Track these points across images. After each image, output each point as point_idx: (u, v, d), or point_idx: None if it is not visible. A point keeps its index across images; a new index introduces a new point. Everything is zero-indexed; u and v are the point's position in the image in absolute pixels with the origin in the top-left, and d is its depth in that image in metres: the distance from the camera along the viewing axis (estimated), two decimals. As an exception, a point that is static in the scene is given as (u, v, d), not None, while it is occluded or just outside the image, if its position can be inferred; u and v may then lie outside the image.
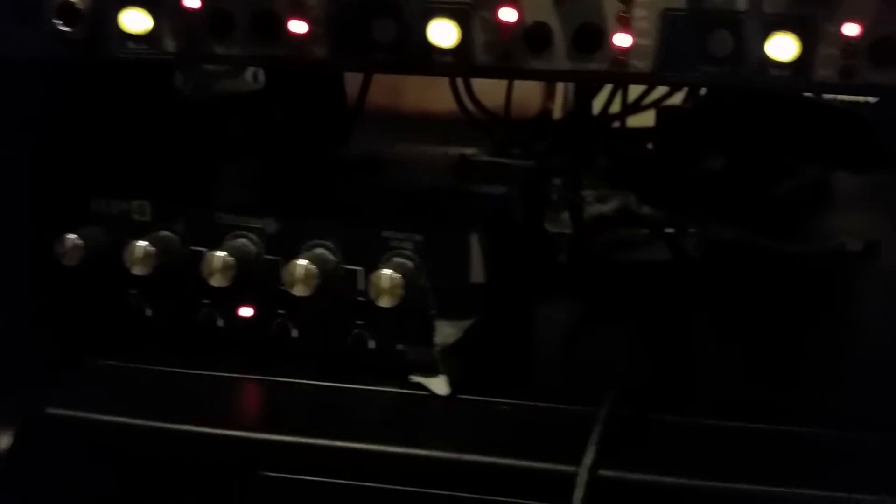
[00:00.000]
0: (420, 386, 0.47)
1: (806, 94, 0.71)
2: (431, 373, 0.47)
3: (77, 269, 0.49)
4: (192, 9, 0.44)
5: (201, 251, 0.48)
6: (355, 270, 0.47)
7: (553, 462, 0.41)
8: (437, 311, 0.47)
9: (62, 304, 0.51)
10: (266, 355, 0.50)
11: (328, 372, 0.48)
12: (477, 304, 0.47)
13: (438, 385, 0.47)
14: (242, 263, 0.47)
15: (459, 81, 0.80)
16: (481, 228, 0.47)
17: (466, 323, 0.47)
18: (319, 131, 0.75)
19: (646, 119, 0.85)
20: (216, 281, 0.46)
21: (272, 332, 0.49)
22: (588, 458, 0.40)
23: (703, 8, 0.40)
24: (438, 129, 0.91)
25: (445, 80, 0.79)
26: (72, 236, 0.49)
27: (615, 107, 0.84)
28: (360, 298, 0.47)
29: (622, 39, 0.41)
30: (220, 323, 0.50)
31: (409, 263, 0.46)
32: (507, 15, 0.42)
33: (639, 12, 0.41)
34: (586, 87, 0.81)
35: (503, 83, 0.84)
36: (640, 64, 0.41)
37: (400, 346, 0.48)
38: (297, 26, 0.43)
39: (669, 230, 0.71)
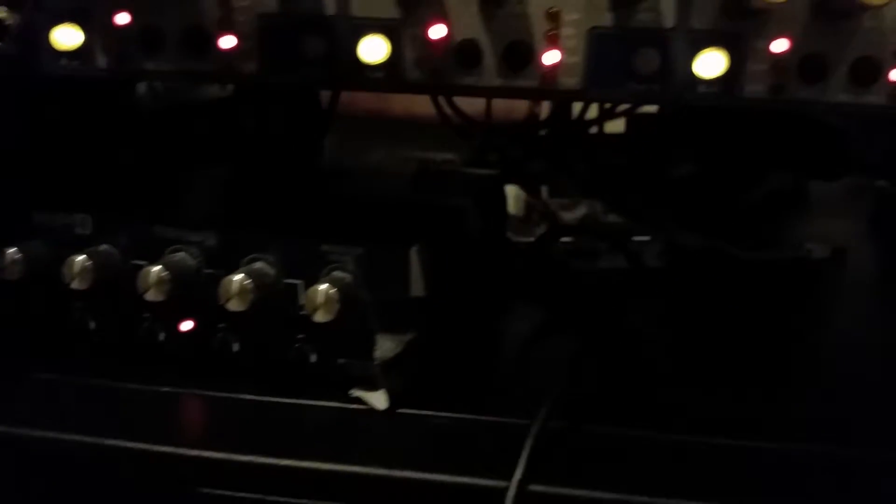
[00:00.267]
0: (360, 400, 0.47)
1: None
2: (372, 387, 0.47)
3: (18, 282, 0.49)
4: (123, 25, 0.44)
5: (142, 265, 0.48)
6: (295, 284, 0.47)
7: (484, 477, 0.41)
8: (377, 326, 0.47)
9: (4, 317, 0.51)
10: (208, 369, 0.49)
11: (270, 386, 0.48)
12: (417, 318, 0.47)
13: (378, 399, 0.46)
14: (180, 278, 0.47)
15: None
16: (423, 242, 0.47)
17: (406, 337, 0.47)
18: (289, 139, 0.75)
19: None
20: (151, 296, 0.46)
21: (213, 346, 0.49)
22: (518, 473, 0.40)
23: (631, 26, 0.41)
24: (422, 134, 0.91)
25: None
26: (12, 250, 0.49)
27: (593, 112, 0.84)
28: (301, 312, 0.47)
29: (551, 57, 0.41)
30: (162, 337, 0.50)
31: (348, 277, 0.46)
32: (437, 32, 0.42)
33: (567, 30, 0.41)
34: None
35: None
36: (569, 81, 0.42)
37: (341, 360, 0.48)
38: (227, 42, 0.43)
39: (640, 238, 0.71)
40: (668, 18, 0.40)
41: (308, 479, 0.43)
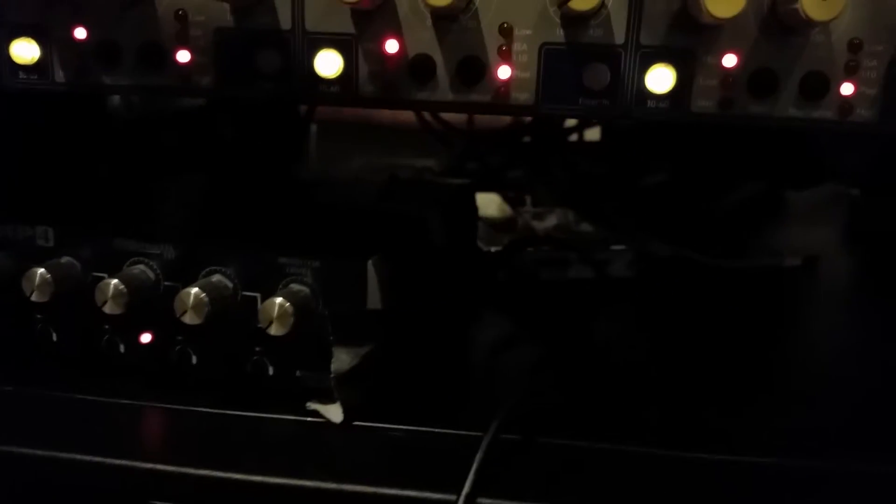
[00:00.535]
0: (317, 413, 0.47)
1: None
2: (329, 400, 0.47)
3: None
4: (81, 40, 0.44)
5: (102, 277, 0.48)
6: (254, 297, 0.48)
7: (433, 491, 0.41)
8: (334, 338, 0.47)
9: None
10: (168, 381, 0.49)
11: (229, 398, 0.48)
12: (375, 330, 0.47)
13: (333, 412, 0.46)
14: (138, 290, 0.47)
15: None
16: (381, 254, 0.47)
17: (363, 350, 0.47)
18: (260, 149, 0.75)
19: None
20: (109, 308, 0.47)
21: (172, 358, 0.50)
22: (466, 487, 0.40)
23: (582, 42, 0.41)
24: (405, 141, 0.91)
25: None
26: (-26, 262, 0.49)
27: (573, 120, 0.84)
28: (259, 325, 0.47)
29: (503, 72, 0.41)
30: (122, 349, 0.50)
31: (305, 290, 0.47)
32: (391, 47, 0.42)
33: (519, 46, 0.41)
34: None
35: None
36: (522, 96, 0.42)
37: (299, 373, 0.48)
38: (183, 56, 0.43)
39: (616, 247, 0.71)
40: (619, 34, 0.40)
41: (260, 493, 0.43)
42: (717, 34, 0.40)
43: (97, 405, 0.48)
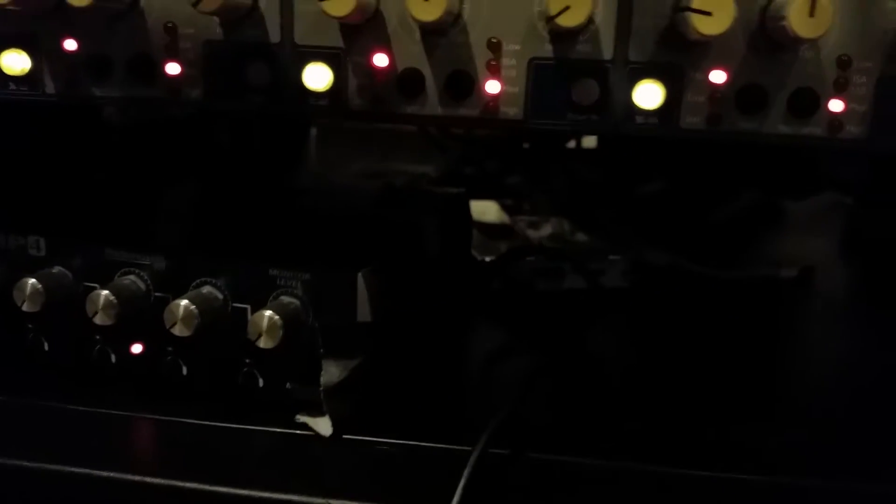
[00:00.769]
0: (307, 426, 0.47)
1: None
2: (318, 412, 0.47)
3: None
4: (71, 51, 0.44)
5: (94, 287, 0.48)
6: (244, 308, 0.48)
7: (420, 507, 0.41)
8: (324, 351, 0.47)
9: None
10: (159, 392, 0.50)
11: (219, 410, 0.48)
12: (364, 343, 0.47)
13: (323, 425, 0.46)
14: (129, 301, 0.47)
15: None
16: (373, 265, 0.47)
17: (353, 362, 0.47)
18: (261, 155, 0.75)
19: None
20: (100, 319, 0.47)
21: (163, 369, 0.50)
22: (454, 502, 0.40)
23: (570, 57, 0.41)
24: (406, 147, 0.91)
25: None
26: (-34, 271, 0.49)
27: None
28: (249, 337, 0.47)
29: (492, 86, 0.41)
30: (114, 359, 0.50)
31: (295, 302, 0.47)
32: (380, 60, 0.42)
33: (507, 61, 0.41)
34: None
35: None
36: (511, 111, 0.42)
37: (289, 385, 0.48)
38: (173, 68, 0.43)
39: (613, 257, 0.71)
40: (607, 50, 0.40)
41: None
42: (705, 50, 0.40)
43: (87, 416, 0.48)
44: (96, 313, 0.47)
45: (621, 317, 0.66)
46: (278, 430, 0.47)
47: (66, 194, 0.56)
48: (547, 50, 0.41)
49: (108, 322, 0.47)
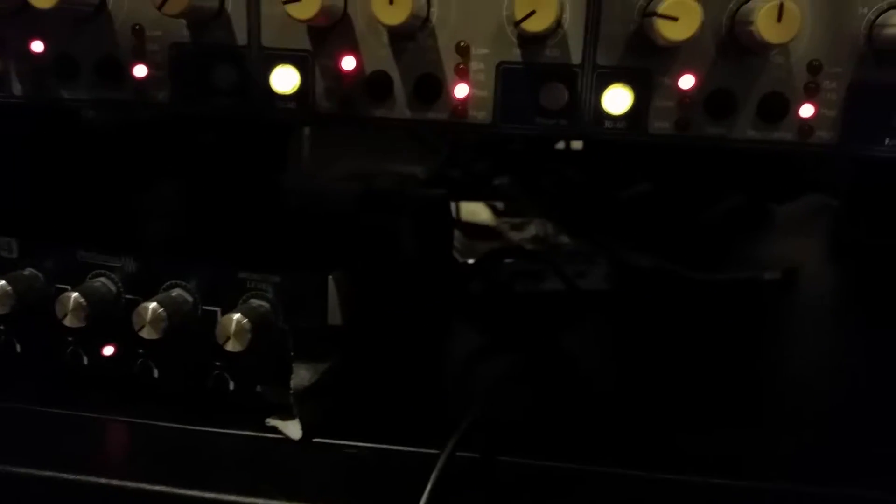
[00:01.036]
0: (277, 429, 0.47)
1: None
2: (289, 416, 0.47)
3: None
4: (38, 53, 0.44)
5: (65, 289, 0.48)
6: (214, 311, 0.47)
7: (386, 512, 0.41)
8: (294, 354, 0.46)
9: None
10: (131, 395, 0.49)
11: (190, 413, 0.48)
12: (335, 346, 0.47)
13: (292, 429, 0.46)
14: (100, 303, 0.47)
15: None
16: (344, 268, 0.47)
17: (323, 366, 0.47)
18: (241, 156, 0.74)
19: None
20: (69, 321, 0.46)
21: (135, 371, 0.49)
22: (420, 507, 0.40)
23: (539, 61, 0.40)
24: (394, 147, 0.91)
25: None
26: (-63, 273, 0.49)
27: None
28: (217, 340, 0.47)
29: (460, 90, 0.41)
30: (86, 361, 0.50)
31: (265, 305, 0.46)
32: (348, 63, 0.42)
33: (476, 64, 0.41)
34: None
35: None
36: (479, 115, 0.41)
37: (259, 388, 0.48)
38: (139, 71, 0.43)
39: (596, 259, 0.71)
40: (575, 55, 0.40)
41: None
42: (673, 55, 0.40)
43: (58, 418, 0.48)
44: (66, 315, 0.47)
45: (601, 319, 0.65)
46: (249, 433, 0.47)
47: (39, 196, 0.56)
48: (515, 54, 0.40)
49: (77, 324, 0.47)
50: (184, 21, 0.42)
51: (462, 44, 0.41)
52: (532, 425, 0.50)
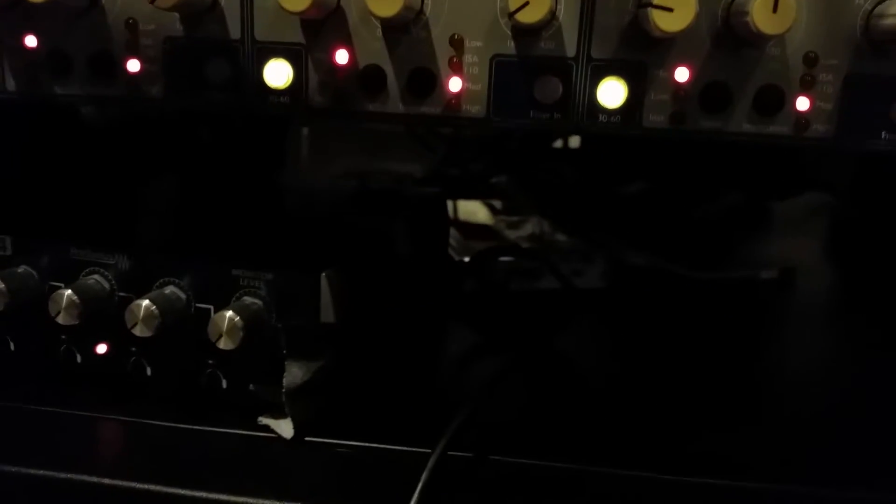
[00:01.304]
0: (269, 428, 0.46)
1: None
2: (281, 414, 0.46)
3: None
4: (31, 48, 0.43)
5: (59, 286, 0.48)
6: (207, 309, 0.47)
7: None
8: (287, 352, 0.46)
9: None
10: (124, 393, 0.49)
11: (183, 411, 0.48)
12: (329, 344, 0.47)
13: (285, 427, 0.46)
14: (92, 301, 0.47)
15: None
16: (337, 266, 0.47)
17: (315, 364, 0.46)
18: (237, 154, 0.74)
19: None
20: (62, 319, 0.46)
21: (127, 369, 0.49)
22: (411, 505, 0.39)
23: (533, 54, 0.40)
24: (392, 145, 0.91)
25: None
26: (-69, 271, 0.48)
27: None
28: (210, 338, 0.47)
29: (454, 84, 0.41)
30: (79, 359, 0.50)
31: (258, 303, 0.46)
32: (341, 57, 0.41)
33: (469, 58, 0.41)
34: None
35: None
36: (473, 108, 0.41)
37: (252, 387, 0.48)
38: (132, 65, 0.43)
39: (593, 257, 0.70)
40: (570, 47, 0.40)
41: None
42: (668, 47, 0.39)
43: (50, 416, 0.48)
44: (59, 313, 0.46)
45: (597, 317, 0.65)
46: (241, 431, 0.47)
47: (32, 193, 0.55)
48: (510, 47, 0.40)
49: (70, 322, 0.46)
50: (177, 15, 0.42)
51: (456, 37, 0.40)
52: (527, 424, 0.49)
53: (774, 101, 0.40)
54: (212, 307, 0.47)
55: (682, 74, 0.39)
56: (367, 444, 0.46)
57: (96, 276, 0.48)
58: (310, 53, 0.42)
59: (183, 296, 0.47)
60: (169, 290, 0.47)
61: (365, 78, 0.41)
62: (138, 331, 0.45)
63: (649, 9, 0.36)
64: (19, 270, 0.49)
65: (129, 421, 0.48)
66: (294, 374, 0.46)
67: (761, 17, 0.36)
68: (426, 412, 0.50)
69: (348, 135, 0.89)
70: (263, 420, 0.46)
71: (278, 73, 0.42)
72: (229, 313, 0.44)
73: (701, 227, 0.78)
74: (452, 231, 0.70)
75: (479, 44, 0.40)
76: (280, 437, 0.46)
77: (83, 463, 0.44)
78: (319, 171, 0.86)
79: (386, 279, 0.54)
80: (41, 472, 0.43)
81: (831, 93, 0.39)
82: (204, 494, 0.42)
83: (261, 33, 0.42)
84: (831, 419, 0.50)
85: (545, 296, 0.66)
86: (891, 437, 0.47)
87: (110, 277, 0.48)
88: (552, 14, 0.39)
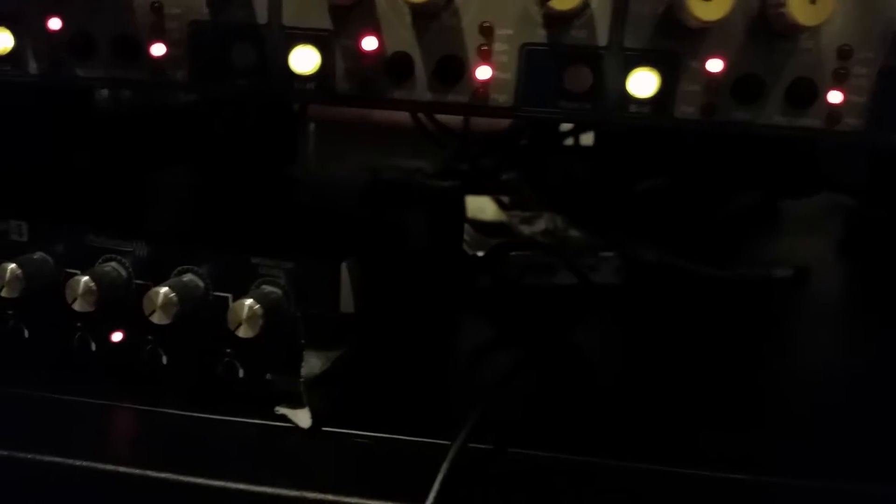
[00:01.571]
0: (286, 417, 0.46)
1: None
2: (299, 404, 0.46)
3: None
4: (55, 30, 0.43)
5: (75, 273, 0.47)
6: (225, 297, 0.46)
7: (397, 500, 0.40)
8: (305, 341, 0.46)
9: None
10: (139, 381, 0.48)
11: (199, 400, 0.47)
12: (348, 334, 0.46)
13: (302, 417, 0.45)
14: (109, 288, 0.46)
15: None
16: (356, 257, 0.46)
17: (334, 354, 0.46)
18: (254, 145, 0.74)
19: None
20: (79, 306, 0.46)
21: (143, 358, 0.48)
22: (430, 497, 0.39)
23: (563, 43, 0.40)
24: (402, 141, 0.91)
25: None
26: (-55, 255, 0.48)
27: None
28: (229, 326, 0.46)
29: (483, 72, 0.40)
30: (94, 347, 0.49)
31: (277, 292, 0.45)
32: (369, 44, 0.41)
33: (499, 46, 0.40)
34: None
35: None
36: (501, 98, 0.41)
37: (269, 376, 0.47)
38: (157, 49, 0.42)
39: (605, 254, 0.70)
40: (602, 36, 0.39)
41: (220, 498, 0.41)
42: (702, 38, 0.39)
43: (66, 404, 0.47)
44: (75, 300, 0.46)
45: (611, 313, 0.65)
46: (257, 421, 0.46)
47: (49, 179, 0.55)
48: (540, 35, 0.40)
49: (87, 309, 0.46)
50: (203, -2, 0.41)
51: (486, 24, 0.40)
52: (542, 418, 0.49)
53: (807, 93, 0.39)
54: (230, 296, 0.46)
55: (715, 65, 0.39)
56: (384, 435, 0.45)
57: (113, 264, 0.48)
58: (337, 40, 0.41)
59: (201, 284, 0.46)
60: (187, 277, 0.46)
61: (392, 65, 0.41)
62: (156, 318, 0.44)
63: (685, -2, 0.36)
64: (35, 257, 0.49)
65: (144, 409, 0.47)
66: (312, 363, 0.45)
67: (799, 7, 0.36)
68: (442, 404, 0.50)
69: (358, 131, 0.88)
70: (280, 410, 0.46)
71: (305, 60, 0.41)
72: (249, 301, 0.44)
73: (716, 224, 0.77)
74: (466, 226, 0.69)
75: (509, 32, 0.40)
76: (297, 428, 0.45)
77: (99, 451, 0.44)
78: (336, 163, 0.86)
79: (403, 271, 0.54)
80: (57, 459, 0.43)
81: (865, 86, 0.39)
82: (220, 484, 0.41)
83: (288, 19, 0.41)
84: (845, 417, 0.50)
85: (560, 291, 0.66)
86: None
87: (127, 265, 0.48)
88: (585, 2, 0.38)
